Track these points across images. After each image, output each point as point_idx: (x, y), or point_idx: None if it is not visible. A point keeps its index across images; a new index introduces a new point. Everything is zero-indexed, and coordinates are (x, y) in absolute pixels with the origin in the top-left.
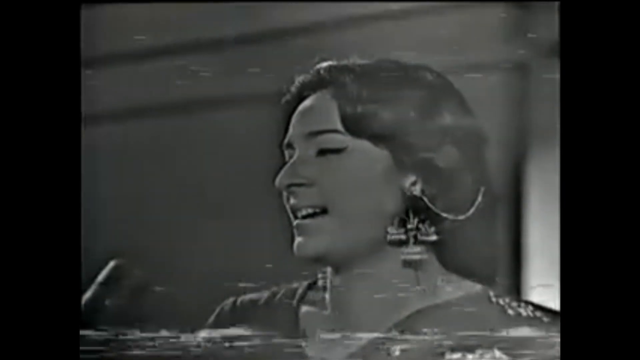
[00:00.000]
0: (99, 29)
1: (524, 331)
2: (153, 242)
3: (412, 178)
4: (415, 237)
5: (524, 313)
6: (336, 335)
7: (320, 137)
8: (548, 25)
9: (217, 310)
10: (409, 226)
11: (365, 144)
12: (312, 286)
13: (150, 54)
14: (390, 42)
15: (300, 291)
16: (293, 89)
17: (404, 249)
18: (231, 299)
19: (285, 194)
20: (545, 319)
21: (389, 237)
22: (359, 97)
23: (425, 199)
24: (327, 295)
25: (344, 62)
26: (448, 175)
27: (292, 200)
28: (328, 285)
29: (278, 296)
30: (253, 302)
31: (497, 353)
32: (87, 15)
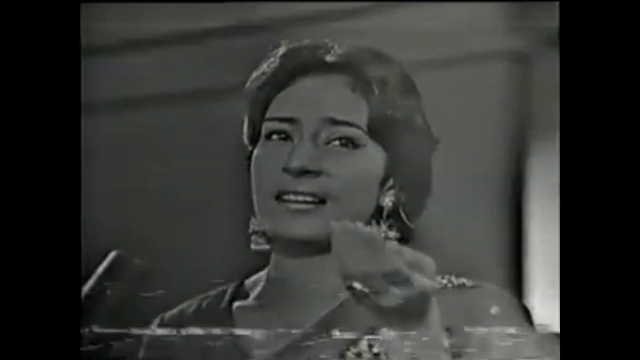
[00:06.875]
0: (99, 21)
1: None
2: (153, 232)
3: (390, 182)
4: (386, 239)
5: (449, 284)
6: (275, 331)
7: (342, 127)
8: (549, 16)
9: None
10: (383, 228)
11: (377, 147)
12: (242, 284)
13: (151, 43)
14: (390, 34)
15: (230, 290)
16: (276, 60)
17: None
18: (158, 318)
19: (271, 173)
20: (468, 284)
21: None
22: (391, 103)
23: (400, 205)
24: (266, 289)
25: (364, 51)
26: (424, 181)
27: (286, 183)
28: (269, 276)
29: (206, 301)
30: (181, 313)
31: (386, 333)
32: (87, 7)
